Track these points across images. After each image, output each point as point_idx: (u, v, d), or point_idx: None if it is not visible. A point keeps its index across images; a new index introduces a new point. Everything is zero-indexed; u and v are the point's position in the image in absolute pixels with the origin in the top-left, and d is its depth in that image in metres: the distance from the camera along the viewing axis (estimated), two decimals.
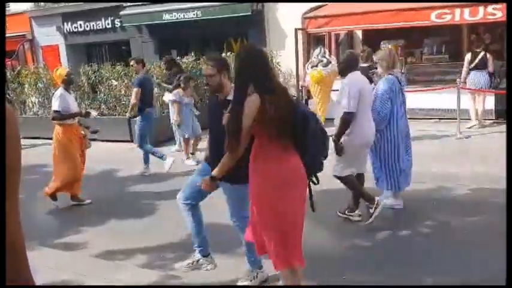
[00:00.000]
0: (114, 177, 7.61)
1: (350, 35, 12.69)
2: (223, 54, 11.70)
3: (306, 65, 9.97)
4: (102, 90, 11.20)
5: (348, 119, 4.63)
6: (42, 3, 17.46)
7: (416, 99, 10.05)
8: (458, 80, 8.80)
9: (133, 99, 7.33)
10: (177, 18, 14.13)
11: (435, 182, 6.11)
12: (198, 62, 10.99)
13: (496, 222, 4.50)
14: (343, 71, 4.95)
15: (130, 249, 4.67)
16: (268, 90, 2.92)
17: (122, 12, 14.98)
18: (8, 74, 12.42)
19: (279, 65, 13.30)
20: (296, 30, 10.34)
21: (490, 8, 8.65)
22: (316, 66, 9.94)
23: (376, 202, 4.78)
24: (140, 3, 14.85)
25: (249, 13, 13.16)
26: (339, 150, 4.69)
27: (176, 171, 7.24)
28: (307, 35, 10.62)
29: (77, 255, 4.69)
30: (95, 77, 11.60)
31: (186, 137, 8.16)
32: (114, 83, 10.97)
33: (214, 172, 3.17)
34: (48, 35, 17.70)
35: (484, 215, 5.02)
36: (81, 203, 6.18)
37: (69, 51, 17.42)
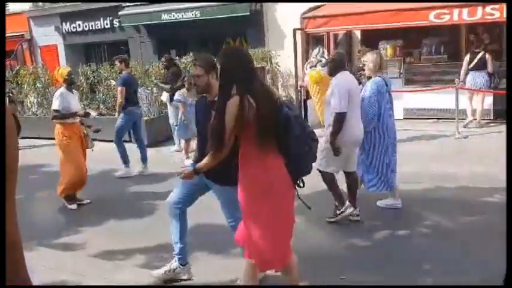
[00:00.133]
0: (113, 177, 7.60)
1: (349, 35, 12.69)
2: None
3: (305, 65, 9.99)
4: (101, 90, 11.19)
5: (340, 119, 4.70)
6: (40, 3, 17.44)
7: (414, 99, 10.10)
8: (456, 80, 8.81)
9: (119, 99, 7.37)
10: (176, 18, 14.12)
11: (434, 182, 6.12)
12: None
13: (495, 222, 4.50)
14: (332, 72, 5.04)
15: (129, 249, 4.66)
16: (250, 91, 2.90)
17: (120, 12, 14.97)
18: (6, 73, 12.40)
19: (278, 65, 13.32)
20: (295, 30, 10.33)
21: (489, 8, 8.66)
22: (315, 66, 9.97)
23: (345, 207, 4.98)
24: (139, 3, 14.85)
25: (248, 13, 13.16)
26: (336, 150, 4.75)
27: (175, 171, 7.21)
28: (305, 35, 10.62)
29: (75, 255, 4.68)
30: (94, 77, 11.60)
31: (188, 137, 8.16)
32: (113, 82, 10.95)
33: (198, 166, 3.18)
34: (47, 35, 17.68)
35: (483, 214, 5.02)
36: (79, 203, 6.17)
37: (68, 51, 17.41)
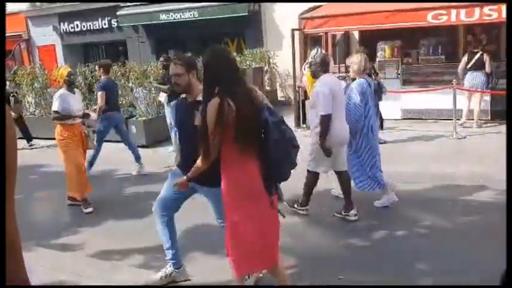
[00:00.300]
0: (111, 177, 7.60)
1: (347, 35, 12.72)
2: None
3: (303, 66, 9.98)
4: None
5: (326, 121, 4.79)
6: (38, 3, 17.42)
7: (412, 99, 10.11)
8: (454, 80, 8.83)
9: (99, 103, 7.32)
10: (174, 19, 14.14)
11: (432, 182, 6.13)
12: None
13: (494, 222, 4.52)
14: (315, 74, 5.16)
15: (128, 249, 4.66)
16: (232, 93, 2.89)
17: (118, 12, 14.98)
18: (6, 74, 12.40)
19: (276, 66, 13.34)
20: (293, 30, 10.34)
21: (486, 9, 8.68)
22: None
23: (306, 208, 5.20)
24: (137, 3, 14.85)
25: (246, 13, 13.18)
26: (326, 151, 4.84)
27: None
28: (304, 36, 10.62)
29: (74, 255, 4.68)
30: (92, 77, 11.57)
31: None
32: None
33: (190, 175, 3.16)
34: (45, 35, 17.68)
35: (481, 214, 5.04)
36: (77, 204, 6.15)
37: (66, 51, 17.41)
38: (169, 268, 3.86)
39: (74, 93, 6.13)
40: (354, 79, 5.42)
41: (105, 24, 16.33)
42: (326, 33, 11.28)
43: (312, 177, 5.16)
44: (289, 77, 12.14)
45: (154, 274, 3.91)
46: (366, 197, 5.45)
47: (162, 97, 8.97)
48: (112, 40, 16.65)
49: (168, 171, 7.23)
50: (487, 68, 9.10)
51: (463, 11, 8.91)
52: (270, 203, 2.97)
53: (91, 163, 7.18)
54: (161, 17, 14.30)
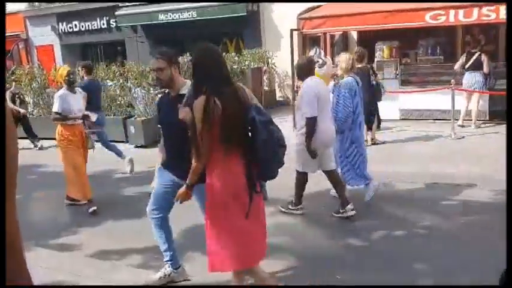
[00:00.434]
0: (110, 177, 7.60)
1: (345, 35, 12.72)
2: None
3: None
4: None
5: (311, 123, 4.86)
6: (36, 3, 17.40)
7: (411, 100, 10.13)
8: (452, 81, 8.85)
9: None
10: (173, 19, 14.13)
11: (431, 182, 6.13)
12: None
13: (494, 222, 4.54)
14: (300, 76, 5.24)
15: (127, 249, 4.66)
16: (218, 92, 2.89)
17: (117, 13, 14.97)
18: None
19: (275, 66, 13.34)
20: (291, 30, 10.33)
21: (485, 10, 8.69)
22: None
23: (299, 207, 5.25)
24: (135, 3, 14.84)
25: (245, 13, 13.17)
26: (312, 153, 4.91)
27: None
28: (302, 36, 10.63)
29: (73, 255, 4.68)
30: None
31: None
32: (109, 83, 10.95)
33: (188, 181, 3.11)
34: (43, 35, 17.65)
35: (480, 214, 5.04)
36: (76, 204, 6.15)
37: (64, 51, 17.38)
38: (168, 268, 3.86)
39: (75, 92, 6.02)
40: (341, 77, 5.56)
41: (103, 24, 16.32)
42: (324, 33, 11.28)
43: (302, 178, 5.21)
44: (288, 77, 12.15)
45: (153, 274, 3.91)
46: (364, 197, 5.46)
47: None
48: (110, 40, 16.63)
49: None
50: (485, 69, 9.12)
51: (461, 12, 8.92)
52: (252, 202, 2.95)
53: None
54: (160, 17, 14.29)
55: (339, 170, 5.44)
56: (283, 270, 4.00)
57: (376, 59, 10.69)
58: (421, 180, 6.19)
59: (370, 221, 5.05)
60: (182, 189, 3.20)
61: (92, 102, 7.32)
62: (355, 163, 5.41)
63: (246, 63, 12.63)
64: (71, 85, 5.96)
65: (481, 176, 6.13)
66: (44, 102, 11.76)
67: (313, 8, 10.84)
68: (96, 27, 16.52)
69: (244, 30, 14.05)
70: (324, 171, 5.18)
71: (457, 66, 9.48)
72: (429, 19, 9.17)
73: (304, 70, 5.09)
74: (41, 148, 10.34)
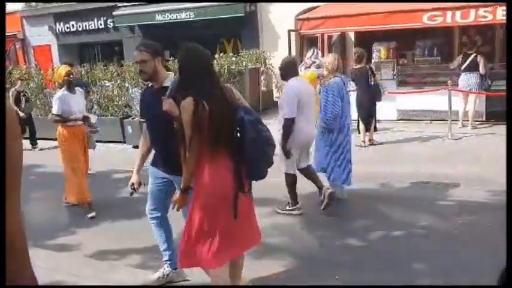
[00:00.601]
0: (108, 177, 7.59)
1: (343, 36, 12.74)
2: (216, 55, 11.72)
3: (299, 67, 10.01)
4: (95, 90, 11.16)
5: (288, 124, 4.91)
6: (33, 3, 17.36)
7: (408, 100, 10.16)
8: (449, 81, 8.88)
9: None
10: (170, 19, 14.12)
11: (429, 182, 6.15)
12: None
13: (492, 222, 4.56)
14: (283, 77, 5.30)
15: (125, 249, 4.66)
16: (205, 93, 2.90)
17: (114, 13, 14.94)
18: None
19: (272, 66, 13.32)
20: (289, 31, 10.37)
21: (481, 11, 8.74)
22: (309, 67, 10.01)
23: (296, 207, 5.28)
24: (133, 3, 14.82)
25: (243, 14, 13.17)
26: (287, 154, 5.01)
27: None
28: (300, 37, 10.64)
29: (71, 255, 4.67)
30: (88, 77, 11.56)
31: None
32: (107, 83, 10.94)
33: (182, 185, 3.08)
34: (40, 35, 17.61)
35: (479, 214, 5.05)
36: (75, 204, 6.13)
37: (62, 52, 17.34)
38: (166, 268, 3.85)
39: (75, 93, 5.91)
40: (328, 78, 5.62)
41: (101, 24, 16.29)
42: (322, 34, 11.30)
43: (290, 178, 5.26)
44: None
45: (151, 274, 3.91)
46: (364, 197, 5.48)
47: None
48: (108, 40, 16.61)
49: None
50: (481, 70, 9.14)
51: (458, 13, 8.97)
52: (240, 202, 2.96)
53: None
54: (157, 18, 14.28)
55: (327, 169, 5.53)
56: (282, 271, 4.00)
57: (373, 60, 10.71)
58: (419, 181, 6.21)
59: (368, 221, 5.06)
60: (177, 195, 3.19)
61: None
62: (341, 161, 5.47)
63: (244, 63, 12.63)
64: (70, 85, 5.87)
65: (479, 176, 6.15)
66: (41, 102, 11.74)
67: (310, 9, 10.88)
68: (93, 27, 16.49)
69: (242, 30, 14.05)
70: (298, 169, 5.27)
71: (452, 65, 9.51)
72: (426, 20, 9.22)
73: (288, 71, 5.14)
74: (41, 149, 10.33)
